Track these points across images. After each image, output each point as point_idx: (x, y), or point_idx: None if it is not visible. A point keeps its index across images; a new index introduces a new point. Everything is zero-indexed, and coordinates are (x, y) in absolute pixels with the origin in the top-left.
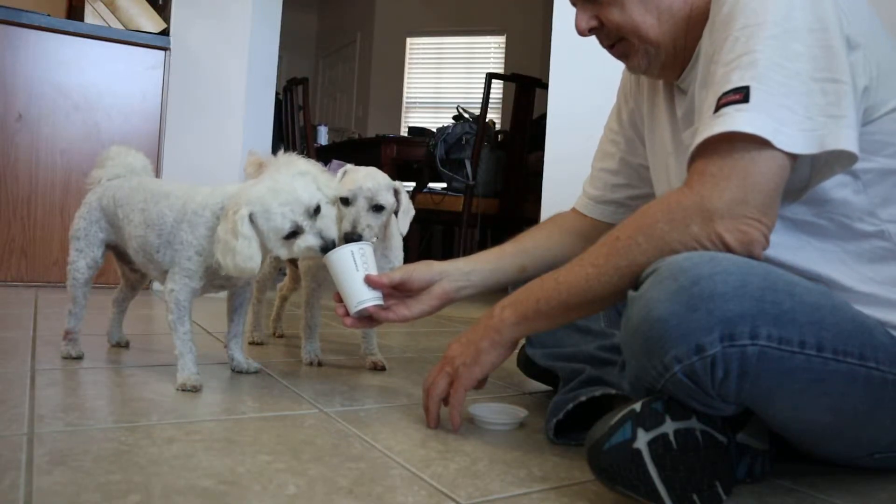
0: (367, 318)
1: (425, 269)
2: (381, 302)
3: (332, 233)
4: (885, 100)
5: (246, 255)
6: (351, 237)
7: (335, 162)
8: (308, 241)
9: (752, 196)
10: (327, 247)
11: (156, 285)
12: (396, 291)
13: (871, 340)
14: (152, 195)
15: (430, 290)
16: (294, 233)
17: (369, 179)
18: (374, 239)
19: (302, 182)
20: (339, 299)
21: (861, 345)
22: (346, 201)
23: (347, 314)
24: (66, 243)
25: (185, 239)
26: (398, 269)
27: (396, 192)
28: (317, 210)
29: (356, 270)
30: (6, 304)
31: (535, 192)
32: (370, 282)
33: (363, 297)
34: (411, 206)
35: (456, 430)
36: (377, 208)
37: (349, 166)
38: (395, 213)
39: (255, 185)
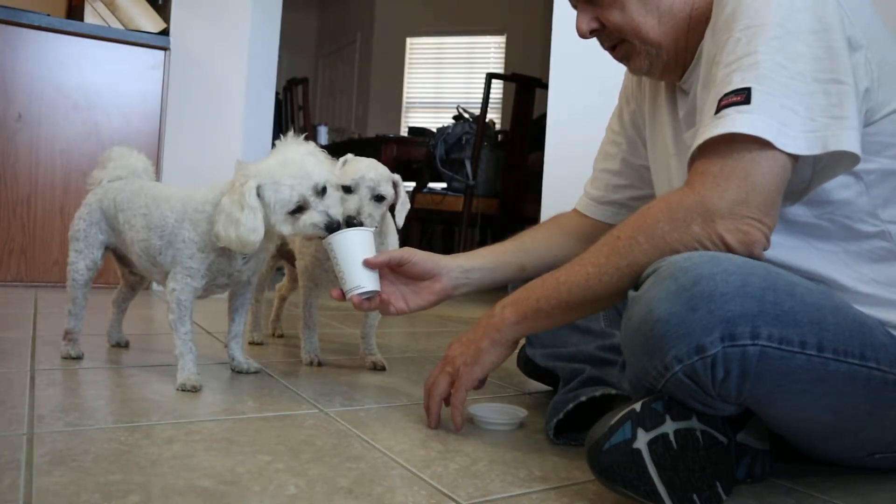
0: (366, 301)
1: (426, 257)
2: (377, 289)
3: (338, 213)
4: (887, 101)
5: (250, 227)
6: (351, 222)
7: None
8: (314, 217)
9: (753, 196)
10: (332, 226)
11: (155, 285)
12: (395, 274)
13: (872, 341)
14: (154, 199)
15: (429, 285)
16: (300, 208)
17: (372, 170)
18: (375, 227)
19: (313, 159)
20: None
21: (862, 345)
22: (347, 189)
23: (343, 297)
24: (66, 243)
25: (187, 237)
26: (397, 249)
27: (395, 185)
28: (323, 190)
29: (357, 256)
30: (6, 304)
31: (535, 192)
32: (368, 264)
33: (360, 283)
34: (408, 200)
35: (458, 429)
36: (378, 198)
37: (350, 156)
38: (392, 206)
39: (264, 160)
